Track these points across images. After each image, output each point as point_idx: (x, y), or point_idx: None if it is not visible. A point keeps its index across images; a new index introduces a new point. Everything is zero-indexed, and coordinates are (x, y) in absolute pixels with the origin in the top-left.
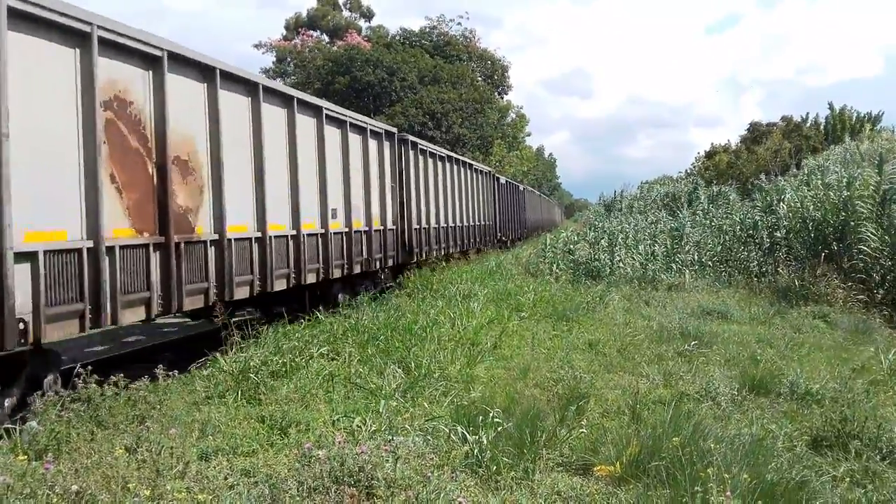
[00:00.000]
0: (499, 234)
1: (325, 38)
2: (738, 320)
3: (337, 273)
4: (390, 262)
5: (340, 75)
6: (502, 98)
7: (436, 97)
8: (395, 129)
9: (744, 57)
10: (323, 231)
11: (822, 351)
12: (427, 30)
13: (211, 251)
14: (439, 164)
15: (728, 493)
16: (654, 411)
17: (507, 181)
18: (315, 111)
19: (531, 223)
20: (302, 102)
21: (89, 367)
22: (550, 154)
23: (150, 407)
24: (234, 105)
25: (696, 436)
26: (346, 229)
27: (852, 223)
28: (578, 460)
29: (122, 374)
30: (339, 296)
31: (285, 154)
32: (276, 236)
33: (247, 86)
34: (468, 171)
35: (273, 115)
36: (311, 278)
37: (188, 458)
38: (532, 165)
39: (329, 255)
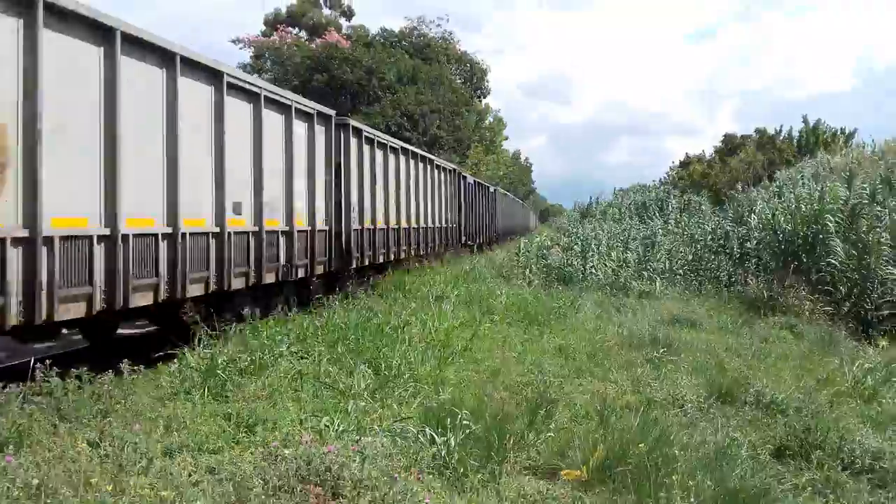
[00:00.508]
0: (464, 238)
1: (305, 35)
2: (706, 329)
3: (238, 283)
4: (320, 269)
5: (319, 73)
6: (480, 101)
7: (414, 98)
8: (332, 112)
9: (721, 67)
10: (217, 230)
11: (787, 361)
12: (407, 31)
13: (14, 253)
14: (391, 156)
15: (692, 500)
16: (622, 417)
17: (475, 181)
18: (212, 77)
19: (503, 227)
20: (189, 62)
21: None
22: (527, 158)
23: (115, 402)
24: (71, 53)
25: (662, 442)
26: (255, 228)
27: (821, 237)
28: (546, 464)
29: (86, 368)
30: (246, 311)
31: (160, 128)
32: (137, 234)
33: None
34: (428, 168)
35: (141, 77)
36: (195, 290)
37: (152, 453)
38: (508, 169)
39: (226, 260)
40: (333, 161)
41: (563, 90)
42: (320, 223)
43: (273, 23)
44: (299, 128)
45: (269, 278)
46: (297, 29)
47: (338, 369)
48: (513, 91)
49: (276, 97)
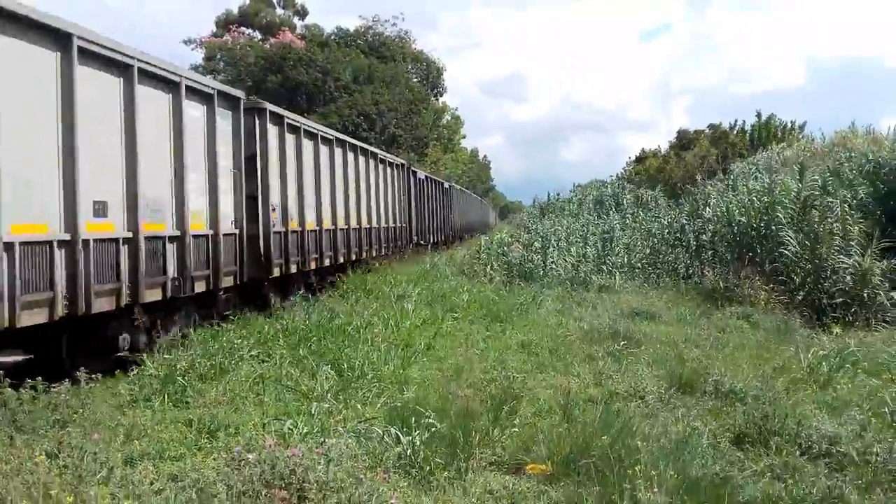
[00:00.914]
0: (415, 238)
1: (258, 35)
2: (665, 321)
3: (103, 304)
4: (228, 281)
5: (273, 74)
6: (437, 99)
7: (370, 97)
8: (240, 93)
9: (674, 64)
10: (68, 237)
11: (745, 350)
12: (362, 30)
13: None
14: (324, 148)
15: (655, 490)
16: (585, 410)
17: (427, 177)
18: (60, 41)
19: (461, 225)
20: (14, 18)
21: None
22: (485, 156)
23: (73, 411)
24: None
25: (624, 434)
26: (129, 234)
27: (774, 228)
28: (511, 459)
29: (40, 378)
30: (121, 340)
31: None
32: None
33: None
34: (371, 162)
35: None
36: (30, 318)
37: (112, 462)
38: (467, 167)
39: (81, 275)
40: (244, 152)
41: (519, 88)
42: (227, 226)
43: (225, 23)
44: (194, 110)
45: (153, 295)
46: (250, 29)
47: (300, 371)
48: (470, 89)
49: (159, 70)
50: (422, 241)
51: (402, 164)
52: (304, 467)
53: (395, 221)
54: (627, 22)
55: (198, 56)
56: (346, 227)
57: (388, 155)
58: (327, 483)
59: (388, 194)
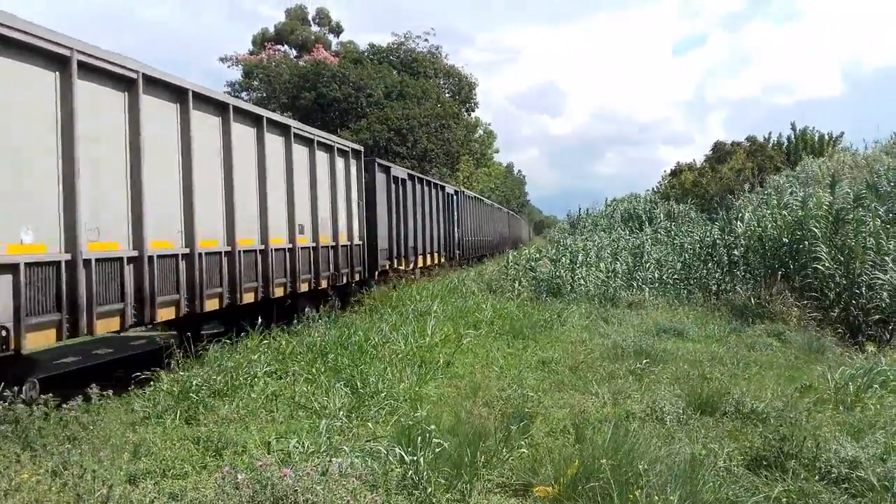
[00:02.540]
0: (387, 262)
1: (293, 52)
2: (693, 338)
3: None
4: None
5: (307, 91)
6: (469, 114)
7: (401, 113)
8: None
9: (710, 76)
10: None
11: (772, 369)
12: (394, 46)
13: None
14: (196, 118)
15: None
16: (599, 430)
17: (418, 177)
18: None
19: (478, 240)
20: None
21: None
22: (520, 171)
23: (82, 428)
24: None
25: (634, 456)
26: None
27: (806, 243)
28: (518, 481)
29: (51, 395)
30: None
31: None
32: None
33: None
34: (296, 146)
35: None
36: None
37: (114, 481)
38: (500, 182)
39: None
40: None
41: (554, 102)
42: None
43: (261, 41)
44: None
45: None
46: (286, 46)
47: (314, 389)
48: (505, 104)
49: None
50: (400, 266)
51: (371, 160)
52: (295, 489)
53: (348, 238)
54: (661, 34)
55: (234, 73)
56: (232, 249)
57: (341, 140)
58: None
59: (336, 198)
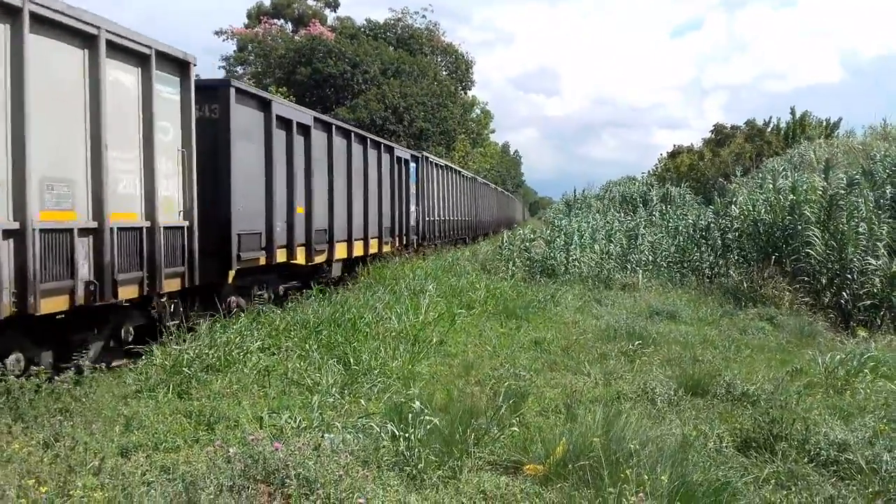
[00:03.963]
0: (276, 254)
1: (289, 26)
2: (686, 321)
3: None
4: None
5: (302, 66)
6: (466, 93)
7: (398, 91)
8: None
9: (707, 60)
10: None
11: (764, 353)
12: (391, 22)
13: None
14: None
15: (640, 495)
16: (590, 410)
17: (352, 132)
18: (264, 106)
19: (467, 221)
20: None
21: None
22: (516, 151)
23: (74, 400)
24: None
25: (624, 435)
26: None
27: (799, 227)
28: (509, 459)
29: (42, 367)
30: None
31: None
32: None
33: None
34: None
35: None
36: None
37: (105, 453)
38: (496, 161)
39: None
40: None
41: (551, 83)
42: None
43: (256, 15)
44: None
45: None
46: (281, 20)
47: (307, 365)
48: (502, 83)
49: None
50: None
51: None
52: (286, 463)
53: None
54: (658, 17)
55: (229, 47)
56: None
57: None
58: (308, 479)
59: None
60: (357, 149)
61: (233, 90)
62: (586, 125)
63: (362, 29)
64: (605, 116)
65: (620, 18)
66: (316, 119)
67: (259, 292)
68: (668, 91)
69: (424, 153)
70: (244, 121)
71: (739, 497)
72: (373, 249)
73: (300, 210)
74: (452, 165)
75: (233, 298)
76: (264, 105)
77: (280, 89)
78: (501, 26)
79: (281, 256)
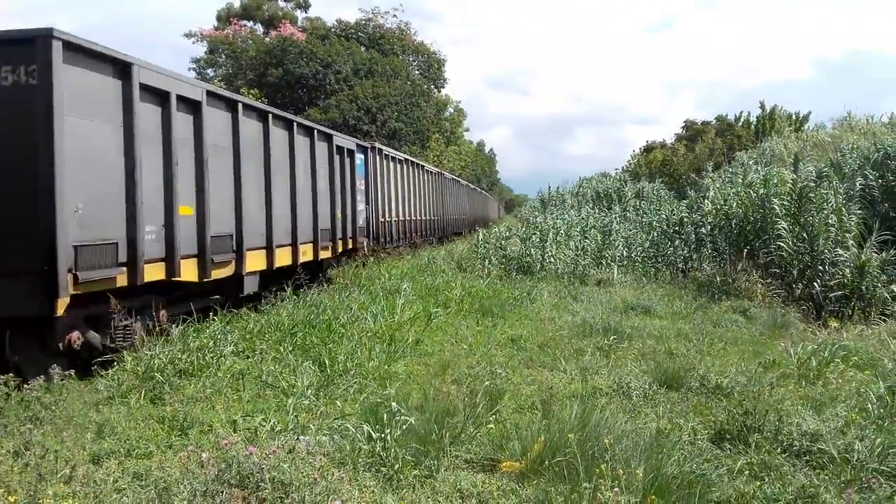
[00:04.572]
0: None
1: (260, 28)
2: (660, 315)
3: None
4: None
5: (273, 67)
6: (439, 91)
7: (371, 91)
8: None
9: (679, 57)
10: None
11: (737, 345)
12: (362, 22)
13: None
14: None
15: (616, 489)
16: (566, 406)
17: (264, 111)
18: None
19: (431, 221)
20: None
21: None
22: (491, 149)
23: (44, 408)
24: None
25: (599, 430)
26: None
27: (770, 220)
28: (486, 457)
29: (11, 374)
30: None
31: None
32: None
33: None
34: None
35: None
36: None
37: (76, 460)
38: (471, 160)
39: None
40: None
41: (524, 82)
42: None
43: (227, 17)
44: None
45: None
46: (251, 22)
47: (282, 368)
48: (475, 83)
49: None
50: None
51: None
52: (260, 467)
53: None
54: (631, 15)
55: (199, 49)
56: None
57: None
58: (283, 482)
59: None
60: (279, 134)
61: (58, 44)
62: (560, 122)
63: (333, 29)
64: (579, 113)
65: (594, 15)
66: (210, 93)
67: (125, 322)
68: (642, 87)
69: (377, 145)
70: (85, 89)
71: (713, 488)
72: (305, 257)
73: (186, 211)
74: (414, 159)
75: (75, 335)
76: (121, 70)
77: (252, 91)
78: (474, 25)
79: (154, 273)
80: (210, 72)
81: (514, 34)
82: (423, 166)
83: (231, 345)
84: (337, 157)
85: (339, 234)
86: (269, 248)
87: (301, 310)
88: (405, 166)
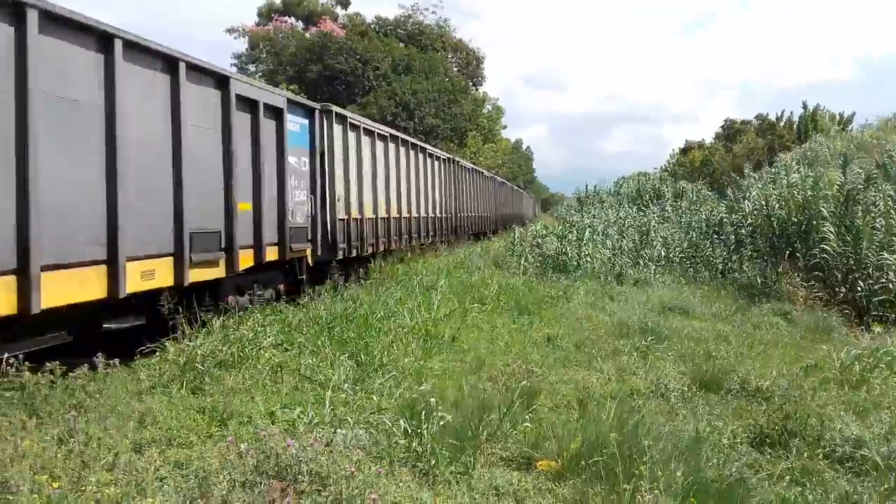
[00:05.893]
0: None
1: (300, 24)
2: (699, 316)
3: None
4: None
5: (313, 63)
6: (476, 89)
7: (409, 87)
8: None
9: (719, 55)
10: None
11: (778, 348)
12: (401, 18)
13: None
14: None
15: (655, 492)
16: (603, 406)
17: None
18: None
19: (441, 219)
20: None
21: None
22: (528, 147)
23: (88, 396)
24: None
25: (638, 431)
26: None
27: (814, 223)
28: (522, 455)
29: (58, 362)
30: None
31: None
32: None
33: None
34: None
35: None
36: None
37: (119, 449)
38: (507, 157)
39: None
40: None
41: (561, 79)
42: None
43: (268, 13)
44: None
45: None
46: (292, 18)
47: (319, 361)
48: (512, 80)
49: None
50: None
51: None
52: (299, 459)
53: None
54: (671, 12)
55: (241, 45)
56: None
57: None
58: (320, 475)
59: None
60: (127, 70)
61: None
62: (598, 120)
63: (372, 26)
64: (616, 111)
65: (632, 12)
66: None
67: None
68: (680, 85)
69: (336, 108)
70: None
71: (753, 493)
72: (141, 285)
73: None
74: (406, 137)
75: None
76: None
77: (291, 86)
78: (512, 23)
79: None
80: (251, 67)
81: (551, 31)
82: (423, 148)
83: (270, 337)
84: (250, 118)
85: (249, 240)
86: (178, 255)
87: (338, 304)
88: (389, 143)
